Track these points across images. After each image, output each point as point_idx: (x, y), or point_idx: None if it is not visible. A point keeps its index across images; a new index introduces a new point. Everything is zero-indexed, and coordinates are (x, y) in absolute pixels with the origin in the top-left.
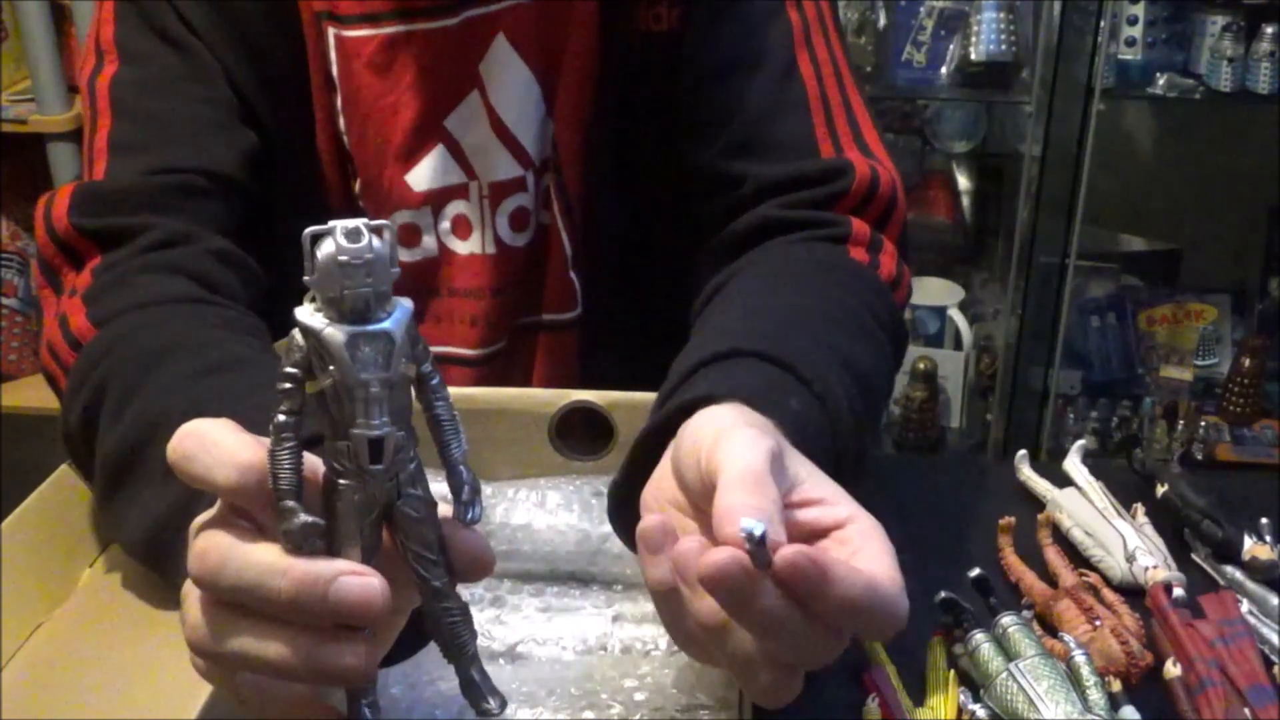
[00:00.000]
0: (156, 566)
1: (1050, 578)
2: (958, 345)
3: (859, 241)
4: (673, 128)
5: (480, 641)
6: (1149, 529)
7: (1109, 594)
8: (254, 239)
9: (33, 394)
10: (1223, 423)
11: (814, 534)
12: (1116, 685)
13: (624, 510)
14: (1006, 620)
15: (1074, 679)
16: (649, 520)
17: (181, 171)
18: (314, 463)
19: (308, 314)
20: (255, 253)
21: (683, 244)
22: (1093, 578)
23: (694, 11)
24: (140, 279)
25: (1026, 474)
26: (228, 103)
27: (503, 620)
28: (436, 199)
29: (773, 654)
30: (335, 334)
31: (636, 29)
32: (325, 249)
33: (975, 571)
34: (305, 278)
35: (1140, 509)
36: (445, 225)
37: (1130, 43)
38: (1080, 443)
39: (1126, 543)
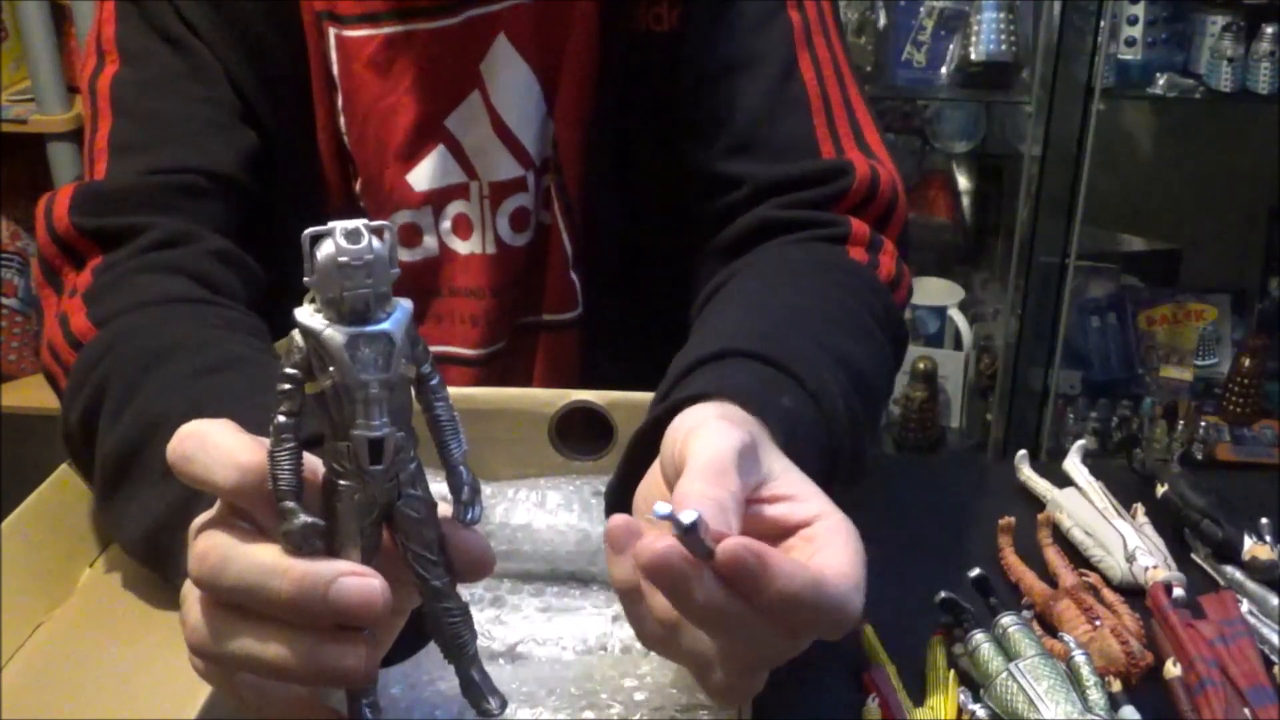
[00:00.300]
0: (156, 567)
1: (1050, 578)
2: (958, 345)
3: (858, 241)
4: (673, 128)
5: (480, 641)
6: (1149, 529)
7: (1109, 594)
8: (254, 239)
9: (33, 394)
10: (1223, 423)
11: (782, 530)
12: (1116, 685)
13: (620, 512)
14: (1006, 620)
15: (1074, 679)
16: (615, 520)
17: (182, 171)
18: (314, 463)
19: (307, 315)
20: (255, 253)
21: (683, 244)
22: (1093, 578)
23: (694, 11)
24: (141, 279)
25: (1026, 474)
26: (228, 103)
27: (503, 620)
28: (437, 199)
29: (725, 652)
30: (335, 335)
31: (637, 29)
32: (325, 250)
33: (975, 571)
34: (305, 279)
35: (1140, 509)
36: (446, 225)
37: (1130, 43)
38: (1080, 443)
39: (1126, 543)
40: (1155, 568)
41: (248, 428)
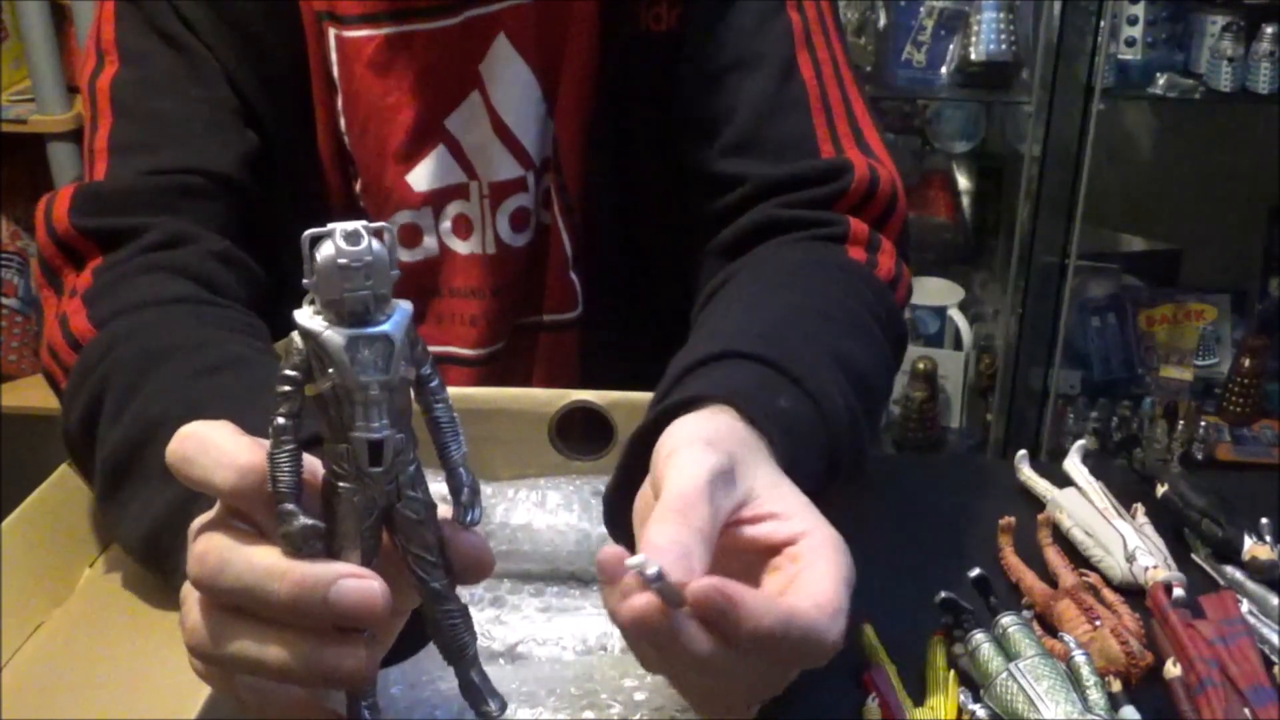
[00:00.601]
0: (155, 567)
1: (1050, 578)
2: (958, 345)
3: (857, 241)
4: (673, 128)
5: (480, 641)
6: (1149, 529)
7: (1109, 594)
8: (254, 239)
9: (33, 394)
10: (1223, 423)
11: (766, 548)
12: (1116, 685)
13: (619, 514)
14: (1006, 620)
15: (1074, 679)
16: (606, 551)
17: (182, 172)
18: (313, 465)
19: (307, 316)
20: (255, 253)
21: (683, 244)
22: (1093, 578)
23: (694, 11)
24: (140, 279)
25: (1026, 474)
26: (228, 103)
27: (503, 620)
28: (437, 199)
29: (716, 689)
30: (334, 337)
31: (637, 29)
32: (324, 251)
33: (975, 571)
34: (304, 280)
35: (1140, 509)
36: (446, 225)
37: (1130, 43)
38: (1080, 443)
39: (1126, 543)
40: (1155, 568)
41: (247, 429)
